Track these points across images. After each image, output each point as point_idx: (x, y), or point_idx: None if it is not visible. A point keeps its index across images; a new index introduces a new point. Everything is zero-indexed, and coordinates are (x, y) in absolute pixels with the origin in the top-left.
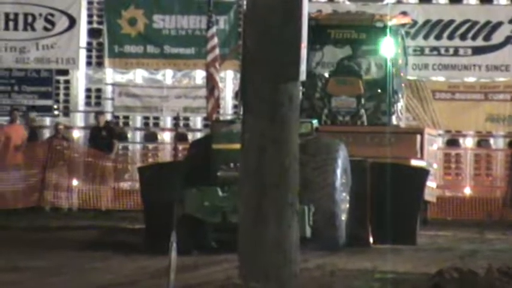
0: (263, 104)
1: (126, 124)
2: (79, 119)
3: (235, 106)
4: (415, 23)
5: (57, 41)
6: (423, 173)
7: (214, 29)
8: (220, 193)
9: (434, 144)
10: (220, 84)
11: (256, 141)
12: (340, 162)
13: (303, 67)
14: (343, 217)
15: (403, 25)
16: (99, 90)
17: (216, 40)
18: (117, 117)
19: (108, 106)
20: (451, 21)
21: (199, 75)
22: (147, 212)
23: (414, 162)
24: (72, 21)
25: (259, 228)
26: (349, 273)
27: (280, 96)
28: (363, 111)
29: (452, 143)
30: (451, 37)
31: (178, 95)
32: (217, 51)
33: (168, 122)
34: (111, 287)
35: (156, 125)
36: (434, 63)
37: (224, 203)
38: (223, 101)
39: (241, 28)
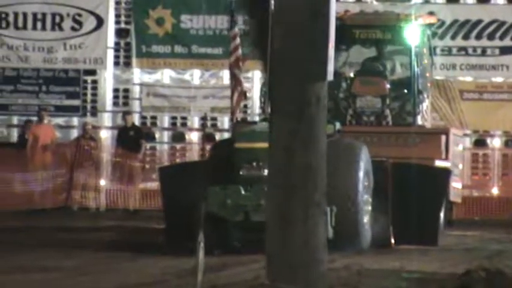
0: (290, 104)
1: (154, 124)
2: (107, 119)
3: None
4: (442, 23)
5: (85, 41)
6: (445, 174)
7: (236, 29)
8: (243, 192)
9: (460, 144)
10: (248, 85)
11: (284, 141)
12: (362, 164)
13: (331, 67)
14: (366, 219)
15: (429, 25)
16: (126, 90)
17: (238, 40)
18: (144, 118)
19: (135, 106)
20: (479, 21)
21: (226, 75)
22: (167, 212)
23: (439, 163)
24: (100, 21)
25: (286, 228)
26: (376, 273)
27: (307, 96)
28: (387, 111)
29: (480, 143)
30: (478, 37)
31: (206, 95)
32: (240, 51)
33: (195, 122)
34: (138, 287)
35: (184, 125)
36: (462, 63)
37: (247, 201)
38: (251, 101)
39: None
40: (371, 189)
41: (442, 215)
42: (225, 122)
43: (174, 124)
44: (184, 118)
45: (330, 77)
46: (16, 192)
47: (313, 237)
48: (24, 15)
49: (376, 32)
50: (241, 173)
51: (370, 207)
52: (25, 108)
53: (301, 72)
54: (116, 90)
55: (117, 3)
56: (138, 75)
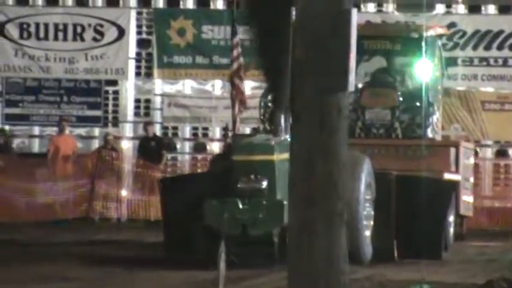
0: (312, 114)
1: (175, 135)
2: (128, 130)
3: None
4: (464, 33)
5: (106, 52)
6: (450, 187)
7: (237, 38)
8: (240, 205)
9: (471, 157)
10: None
11: (305, 152)
12: (363, 177)
13: (352, 78)
14: (368, 232)
15: (440, 36)
16: (148, 100)
17: (240, 49)
18: (166, 128)
19: (157, 116)
20: (500, 32)
21: (248, 86)
22: (166, 224)
23: (448, 176)
24: (121, 32)
25: (307, 239)
26: (398, 284)
27: (328, 106)
28: (397, 123)
29: (501, 153)
30: (500, 47)
31: (227, 105)
32: (241, 59)
33: (217, 132)
34: None
35: (205, 135)
36: (483, 74)
37: (244, 215)
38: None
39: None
40: (373, 202)
41: (451, 228)
42: (246, 132)
43: (195, 134)
44: (205, 128)
45: (351, 87)
46: (38, 203)
47: (335, 248)
48: (46, 25)
49: (385, 42)
50: (239, 185)
51: (371, 220)
52: (46, 118)
53: (323, 82)
54: (137, 100)
55: (139, 13)
56: (159, 85)
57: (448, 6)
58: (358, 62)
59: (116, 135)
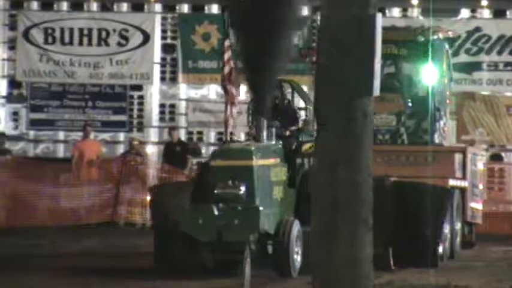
0: (336, 120)
1: (200, 139)
2: (153, 135)
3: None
4: (488, 38)
5: (131, 57)
6: (446, 193)
7: (228, 41)
8: (215, 211)
9: (479, 163)
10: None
11: (329, 157)
12: None
13: (377, 82)
14: None
15: (448, 39)
16: (173, 105)
17: (230, 53)
18: (190, 133)
19: (181, 121)
20: None
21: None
22: (156, 233)
23: (452, 182)
24: (146, 37)
25: (332, 244)
26: None
27: (353, 111)
28: (403, 129)
29: None
30: None
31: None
32: (232, 63)
33: (241, 137)
34: None
35: (230, 140)
36: (508, 79)
37: (219, 220)
38: None
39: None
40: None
41: (457, 236)
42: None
43: (220, 139)
44: (230, 133)
45: (376, 92)
46: (62, 208)
47: (359, 253)
48: (71, 30)
49: (391, 46)
50: (215, 191)
51: None
52: (71, 123)
53: (347, 87)
54: (162, 105)
55: (164, 18)
56: (184, 90)
57: (473, 10)
58: None
59: (141, 140)
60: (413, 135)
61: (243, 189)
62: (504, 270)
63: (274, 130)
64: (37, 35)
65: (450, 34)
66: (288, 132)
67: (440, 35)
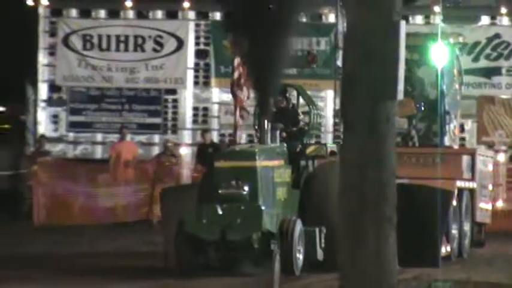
0: (362, 122)
1: (232, 141)
2: (186, 136)
3: (335, 124)
4: (508, 44)
5: (166, 62)
6: (447, 195)
7: None
8: (219, 210)
9: (489, 164)
10: (322, 103)
11: (356, 158)
12: None
13: (400, 87)
14: None
15: (458, 44)
16: (205, 108)
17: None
18: (222, 135)
19: (214, 124)
20: None
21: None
22: (164, 233)
23: (460, 183)
24: (180, 43)
25: (358, 242)
26: (445, 284)
27: (378, 114)
28: (414, 132)
29: None
30: None
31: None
32: (241, 69)
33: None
34: None
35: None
36: None
37: (223, 220)
38: (325, 119)
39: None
40: None
41: (465, 236)
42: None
43: (251, 141)
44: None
45: (400, 96)
46: (100, 206)
47: (385, 250)
48: (108, 37)
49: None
50: (220, 191)
51: None
52: (108, 126)
53: (372, 91)
54: (195, 108)
55: (197, 25)
56: (216, 94)
57: (493, 18)
58: None
59: (175, 142)
60: (424, 138)
61: (246, 189)
62: None
63: (278, 133)
64: (76, 41)
65: (460, 39)
66: (290, 135)
67: (451, 40)
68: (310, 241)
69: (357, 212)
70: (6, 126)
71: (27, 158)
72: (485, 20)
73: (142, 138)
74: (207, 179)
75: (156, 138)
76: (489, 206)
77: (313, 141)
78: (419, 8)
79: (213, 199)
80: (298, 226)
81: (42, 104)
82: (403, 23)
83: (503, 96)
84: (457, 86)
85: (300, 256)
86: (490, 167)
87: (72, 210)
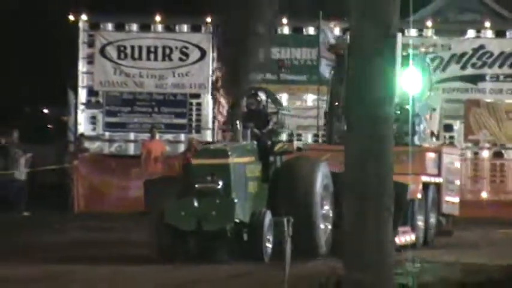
0: (363, 123)
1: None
2: (209, 135)
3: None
4: (491, 54)
5: (191, 70)
6: (402, 188)
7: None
8: (196, 203)
9: (456, 162)
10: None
11: (358, 156)
12: (319, 179)
13: (396, 91)
14: (323, 227)
15: (427, 54)
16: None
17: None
18: None
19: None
20: None
21: (310, 98)
22: (148, 224)
23: (425, 179)
24: (203, 53)
25: (361, 229)
26: (435, 265)
27: (377, 116)
28: (394, 131)
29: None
30: None
31: (293, 115)
32: (218, 73)
33: (283, 138)
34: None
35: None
36: (508, 88)
37: (199, 212)
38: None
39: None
40: (331, 201)
41: (432, 226)
42: (308, 137)
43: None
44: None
45: (396, 100)
46: (132, 197)
47: (383, 235)
48: (140, 48)
49: None
50: (196, 186)
51: (330, 217)
52: (140, 126)
53: (372, 95)
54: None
55: (218, 37)
56: None
57: (478, 31)
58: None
59: (199, 140)
60: (397, 138)
61: (220, 184)
62: (505, 249)
63: (249, 132)
64: (111, 51)
65: (430, 50)
66: (260, 133)
67: (422, 49)
68: (278, 230)
69: (359, 204)
70: (49, 126)
71: (69, 154)
72: (471, 33)
73: (170, 136)
74: (184, 174)
75: (182, 136)
76: (456, 199)
77: (284, 138)
78: (413, 22)
79: (190, 193)
80: (268, 217)
81: (81, 107)
82: (399, 35)
83: (487, 100)
84: (427, 92)
85: (269, 244)
86: (457, 164)
87: (107, 200)
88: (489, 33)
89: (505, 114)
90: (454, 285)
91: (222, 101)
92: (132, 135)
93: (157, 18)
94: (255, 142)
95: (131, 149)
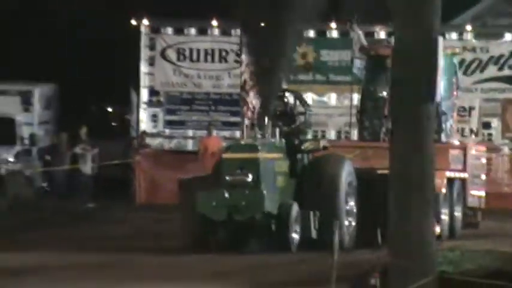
0: (408, 119)
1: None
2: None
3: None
4: None
5: (245, 71)
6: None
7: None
8: (226, 194)
9: (482, 158)
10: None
11: (403, 150)
12: (343, 175)
13: (439, 91)
14: (347, 222)
15: (454, 55)
16: None
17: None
18: None
19: None
20: None
21: (355, 97)
22: (182, 216)
23: (449, 174)
24: None
25: (405, 220)
26: (476, 253)
27: (421, 114)
28: None
29: None
30: None
31: (341, 113)
32: (246, 75)
33: (332, 134)
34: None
35: (323, 137)
36: None
37: (229, 202)
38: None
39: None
40: (355, 197)
41: (457, 219)
42: (354, 135)
43: (315, 136)
44: (323, 131)
45: (438, 98)
46: None
47: (425, 226)
48: (198, 50)
49: None
50: (227, 178)
51: (354, 211)
52: (198, 123)
53: (416, 94)
54: None
55: None
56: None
57: None
58: (381, 77)
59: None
60: None
61: (249, 177)
62: None
63: (278, 130)
64: (171, 54)
65: (457, 50)
66: (288, 132)
67: (448, 51)
68: (305, 222)
69: (404, 196)
70: (113, 124)
71: (132, 150)
72: (508, 36)
73: (226, 133)
74: (217, 168)
75: (237, 133)
76: (482, 193)
77: (310, 136)
78: (454, 26)
79: (221, 185)
80: (295, 209)
81: (143, 106)
82: (440, 39)
83: None
84: (454, 92)
85: (296, 235)
86: (483, 160)
87: (167, 192)
88: None
89: None
90: (493, 273)
91: (251, 101)
92: (190, 132)
93: (214, 23)
94: (284, 140)
95: (189, 145)
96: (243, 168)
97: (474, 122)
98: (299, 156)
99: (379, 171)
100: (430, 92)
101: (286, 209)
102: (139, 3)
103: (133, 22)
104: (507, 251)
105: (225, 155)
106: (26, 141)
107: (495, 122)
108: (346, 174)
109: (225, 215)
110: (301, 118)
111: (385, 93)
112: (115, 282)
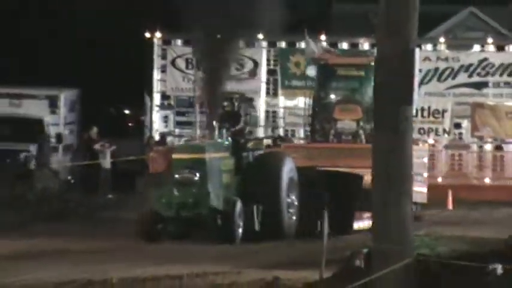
0: (388, 121)
1: (293, 135)
2: (261, 132)
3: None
4: (493, 65)
5: (246, 78)
6: (356, 178)
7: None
8: (175, 192)
9: (424, 157)
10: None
11: (384, 149)
12: (285, 171)
13: (415, 96)
14: (288, 215)
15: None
16: (274, 112)
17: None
18: (287, 130)
19: (280, 123)
20: None
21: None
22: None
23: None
24: (256, 64)
25: (386, 209)
26: (449, 238)
27: (400, 116)
28: (361, 131)
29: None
30: None
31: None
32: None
33: (301, 133)
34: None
35: (293, 136)
36: (507, 93)
37: (178, 200)
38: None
39: None
40: (296, 191)
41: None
42: (301, 133)
43: (307, 136)
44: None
45: (415, 103)
46: None
47: (404, 214)
48: None
49: (352, 69)
50: (176, 177)
51: (296, 205)
52: (204, 124)
53: (395, 99)
54: (267, 111)
55: (268, 51)
56: (282, 101)
57: (482, 46)
58: (330, 84)
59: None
60: (369, 136)
61: (197, 176)
62: (507, 224)
63: (224, 131)
64: (181, 63)
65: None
66: (234, 132)
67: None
68: (249, 216)
69: (385, 188)
70: (130, 124)
71: (147, 147)
72: (476, 47)
73: None
74: (169, 168)
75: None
76: (424, 190)
77: (263, 135)
78: (429, 39)
79: (170, 183)
80: (239, 205)
81: (156, 108)
82: (417, 50)
83: (490, 103)
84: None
85: (240, 229)
86: (425, 159)
87: None
88: (491, 48)
89: (504, 115)
90: (464, 255)
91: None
92: (198, 132)
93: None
94: (230, 139)
95: None
96: (191, 168)
97: (447, 123)
98: (244, 154)
99: (321, 169)
100: (408, 95)
101: (231, 205)
102: (153, 17)
103: (147, 35)
104: (476, 236)
105: (175, 155)
106: (53, 140)
107: (465, 123)
108: (288, 170)
109: (173, 211)
110: (246, 119)
111: (334, 99)
112: (130, 264)
